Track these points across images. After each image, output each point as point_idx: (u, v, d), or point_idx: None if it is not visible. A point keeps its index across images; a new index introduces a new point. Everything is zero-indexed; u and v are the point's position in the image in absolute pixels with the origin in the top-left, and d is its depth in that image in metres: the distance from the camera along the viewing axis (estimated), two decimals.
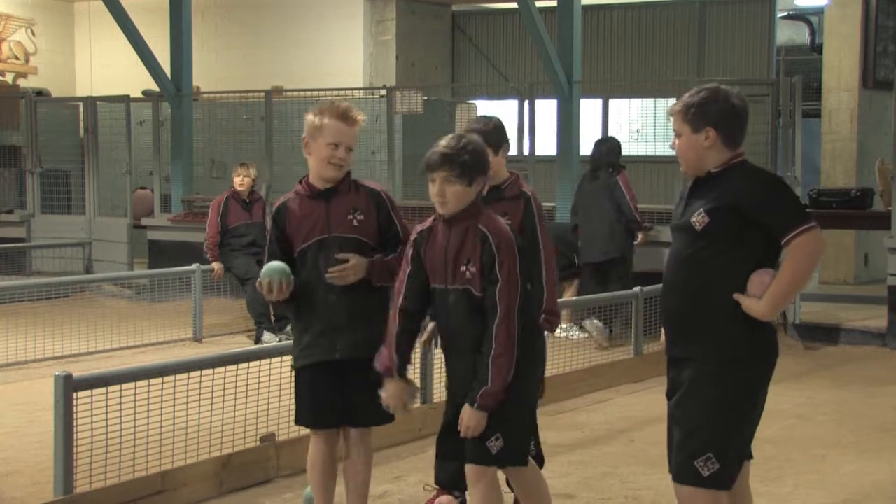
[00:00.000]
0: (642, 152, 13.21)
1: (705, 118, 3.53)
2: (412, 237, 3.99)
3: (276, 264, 4.25)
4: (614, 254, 9.43)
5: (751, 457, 3.73)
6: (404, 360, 3.98)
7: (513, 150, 11.46)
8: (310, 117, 4.32)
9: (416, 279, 3.94)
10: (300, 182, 4.41)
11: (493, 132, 4.56)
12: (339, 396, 4.31)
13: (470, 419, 3.73)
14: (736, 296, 3.46)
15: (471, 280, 3.78)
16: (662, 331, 3.75)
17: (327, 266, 4.25)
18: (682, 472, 3.49)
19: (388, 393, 3.97)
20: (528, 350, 3.87)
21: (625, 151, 14.85)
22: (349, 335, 4.26)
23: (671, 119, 3.63)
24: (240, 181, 9.81)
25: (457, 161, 3.76)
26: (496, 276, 3.73)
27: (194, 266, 9.82)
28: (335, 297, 4.25)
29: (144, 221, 13.03)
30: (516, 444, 3.85)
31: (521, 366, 3.77)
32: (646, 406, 7.04)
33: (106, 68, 17.27)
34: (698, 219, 3.50)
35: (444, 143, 3.85)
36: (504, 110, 14.68)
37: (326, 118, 4.27)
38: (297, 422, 4.47)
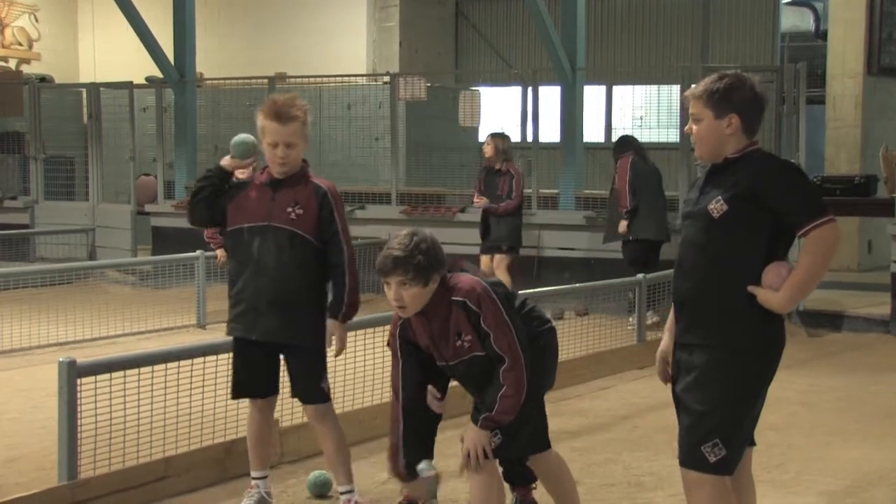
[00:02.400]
0: (645, 139, 13.14)
1: (730, 104, 3.49)
2: (395, 330, 3.95)
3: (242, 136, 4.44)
4: (664, 236, 9.53)
5: (754, 443, 3.74)
6: (416, 458, 3.95)
7: (516, 137, 11.49)
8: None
9: (411, 369, 3.94)
10: (262, 169, 4.53)
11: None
12: (263, 371, 4.49)
13: (472, 434, 3.79)
14: (751, 288, 3.43)
15: (471, 348, 3.79)
16: (671, 314, 3.72)
17: (261, 251, 4.37)
18: (689, 457, 3.50)
19: (409, 488, 4.19)
20: (534, 355, 3.87)
21: None
22: (266, 320, 4.40)
23: (689, 103, 3.57)
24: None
25: (411, 264, 3.66)
26: (485, 331, 3.73)
27: (198, 252, 9.82)
28: (261, 280, 4.38)
29: (148, 208, 13.04)
30: (518, 438, 3.89)
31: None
32: (649, 393, 7.04)
33: (109, 54, 17.26)
34: (716, 206, 3.46)
35: (396, 243, 3.70)
36: (507, 97, 14.70)
37: (262, 118, 4.37)
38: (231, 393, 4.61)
